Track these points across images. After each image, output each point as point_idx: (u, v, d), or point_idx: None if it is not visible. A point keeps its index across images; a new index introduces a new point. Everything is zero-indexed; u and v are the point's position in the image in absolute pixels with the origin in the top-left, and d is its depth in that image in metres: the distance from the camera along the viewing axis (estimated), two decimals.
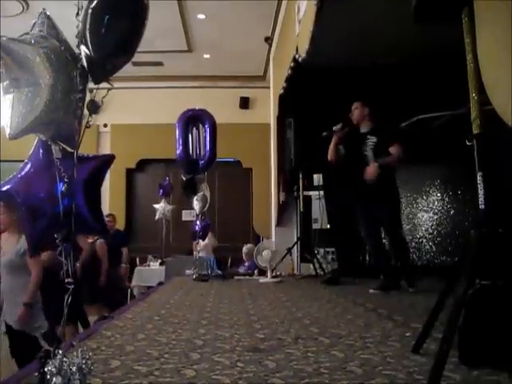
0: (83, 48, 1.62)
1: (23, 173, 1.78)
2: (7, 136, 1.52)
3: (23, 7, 7.16)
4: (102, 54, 1.64)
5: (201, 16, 7.87)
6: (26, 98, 1.49)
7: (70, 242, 1.65)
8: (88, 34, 1.61)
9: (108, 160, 1.94)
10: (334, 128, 4.97)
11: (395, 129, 4.97)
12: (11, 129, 1.50)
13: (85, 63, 1.62)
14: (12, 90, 1.50)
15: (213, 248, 8.76)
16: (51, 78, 1.50)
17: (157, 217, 9.39)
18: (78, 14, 1.63)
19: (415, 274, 5.02)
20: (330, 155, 5.01)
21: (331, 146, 4.98)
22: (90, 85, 1.73)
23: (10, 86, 1.50)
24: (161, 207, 9.35)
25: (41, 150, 1.75)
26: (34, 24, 1.66)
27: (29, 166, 1.77)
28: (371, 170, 4.65)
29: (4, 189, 1.76)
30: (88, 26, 1.61)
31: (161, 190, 9.43)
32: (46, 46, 1.55)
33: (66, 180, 1.60)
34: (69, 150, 1.62)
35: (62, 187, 1.61)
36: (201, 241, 7.60)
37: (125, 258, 8.29)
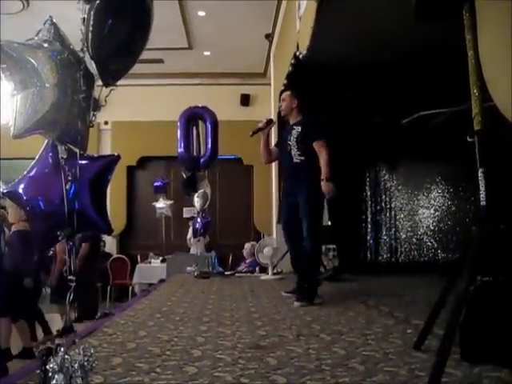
0: (87, 51, 1.63)
1: (32, 173, 1.79)
2: (11, 135, 1.52)
3: (24, 5, 7.15)
4: (103, 56, 1.65)
5: (201, 13, 7.85)
6: (32, 99, 1.49)
7: (73, 240, 1.66)
8: (90, 37, 1.62)
9: (113, 160, 1.94)
10: (260, 125, 4.59)
11: (319, 122, 4.48)
12: (15, 128, 1.51)
13: (93, 65, 1.63)
14: (17, 92, 1.51)
15: (205, 245, 8.70)
16: (56, 80, 1.51)
17: (157, 215, 9.40)
18: (83, 20, 1.64)
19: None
20: (261, 153, 4.68)
21: (261, 145, 4.63)
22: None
23: (16, 89, 1.51)
24: (161, 204, 9.34)
25: (49, 151, 1.76)
26: (40, 30, 1.68)
27: (37, 166, 1.79)
28: (327, 188, 4.04)
29: (14, 189, 1.78)
30: (91, 29, 1.62)
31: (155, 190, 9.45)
32: (51, 49, 1.56)
33: (70, 179, 1.61)
34: (75, 150, 1.63)
35: (68, 187, 1.62)
36: (192, 238, 7.60)
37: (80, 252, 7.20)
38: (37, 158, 1.81)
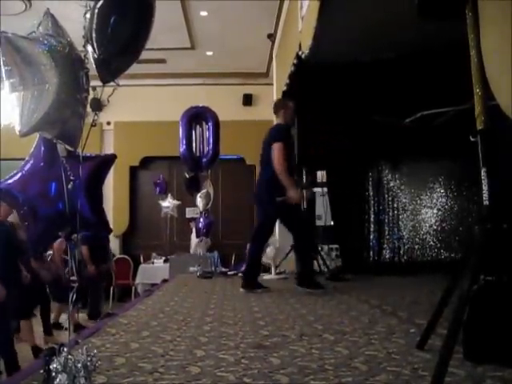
0: (89, 48, 1.62)
1: (24, 171, 1.78)
2: (18, 133, 1.52)
3: (26, 6, 7.15)
4: (107, 54, 1.64)
5: (203, 13, 7.85)
6: (34, 97, 1.49)
7: (73, 240, 1.66)
8: (94, 34, 1.61)
9: (108, 159, 1.94)
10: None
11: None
12: (22, 126, 1.50)
13: (92, 63, 1.63)
14: (21, 88, 1.50)
15: (208, 246, 8.68)
16: (57, 78, 1.51)
17: (162, 214, 9.40)
18: (85, 13, 1.64)
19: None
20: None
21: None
22: (94, 83, 1.73)
23: (16, 84, 1.50)
24: (166, 203, 9.34)
25: (42, 149, 1.76)
26: (40, 23, 1.66)
27: (29, 164, 1.78)
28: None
29: (4, 185, 1.77)
30: (94, 26, 1.61)
31: (157, 188, 9.46)
32: (54, 45, 1.55)
33: (72, 178, 1.61)
34: (69, 148, 1.62)
35: (67, 186, 1.61)
36: (195, 238, 7.61)
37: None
38: (29, 154, 1.80)
